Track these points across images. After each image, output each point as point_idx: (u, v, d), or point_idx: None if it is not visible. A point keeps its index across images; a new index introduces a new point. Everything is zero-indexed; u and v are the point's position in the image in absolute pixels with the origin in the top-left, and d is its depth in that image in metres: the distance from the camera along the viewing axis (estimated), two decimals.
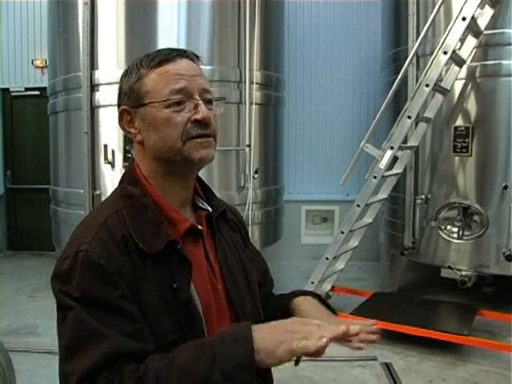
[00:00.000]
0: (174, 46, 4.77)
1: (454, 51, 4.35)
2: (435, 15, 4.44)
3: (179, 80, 1.18)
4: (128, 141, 1.29)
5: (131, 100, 1.22)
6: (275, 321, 1.10)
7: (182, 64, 1.21)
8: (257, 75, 5.18)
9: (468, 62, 4.72)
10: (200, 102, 1.19)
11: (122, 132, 4.60)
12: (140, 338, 1.07)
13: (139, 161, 1.26)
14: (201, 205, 1.32)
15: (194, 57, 1.25)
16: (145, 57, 1.23)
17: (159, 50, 1.23)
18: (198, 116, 1.18)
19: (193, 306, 1.16)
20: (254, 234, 5.19)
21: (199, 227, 1.26)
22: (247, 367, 1.00)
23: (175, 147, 1.18)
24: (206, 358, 1.01)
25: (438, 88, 4.55)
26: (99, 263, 1.08)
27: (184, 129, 1.18)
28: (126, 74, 1.24)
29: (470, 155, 4.82)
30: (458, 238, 4.90)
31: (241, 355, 1.00)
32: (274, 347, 1.02)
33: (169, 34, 4.97)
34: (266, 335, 1.04)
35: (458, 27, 4.29)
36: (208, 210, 1.32)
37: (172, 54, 1.21)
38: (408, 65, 4.66)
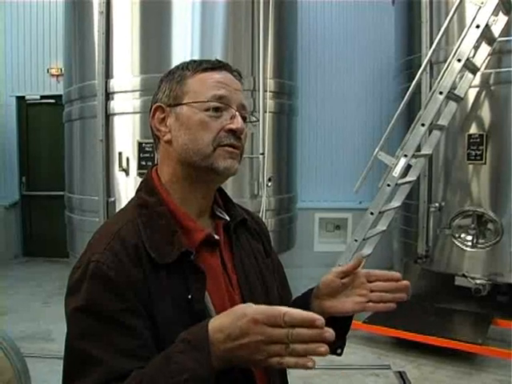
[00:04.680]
0: (188, 55, 4.81)
1: (467, 59, 4.34)
2: (449, 23, 4.43)
3: (221, 88, 1.19)
4: (154, 141, 1.28)
5: (169, 98, 1.22)
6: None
7: (227, 76, 1.23)
8: (270, 83, 5.20)
9: (482, 69, 4.70)
10: (237, 113, 1.20)
11: (136, 140, 4.63)
12: (141, 356, 1.03)
13: (162, 163, 1.25)
14: (219, 214, 1.31)
15: (237, 75, 1.27)
16: (192, 61, 1.25)
17: (207, 60, 1.26)
18: (233, 126, 1.18)
19: (207, 316, 1.11)
20: None
21: (216, 237, 1.24)
22: (202, 379, 0.92)
23: (205, 152, 1.18)
24: (164, 370, 0.95)
25: (451, 95, 4.54)
26: (108, 275, 1.07)
27: (217, 135, 1.18)
28: (168, 74, 1.25)
29: (484, 163, 4.79)
30: (472, 246, 4.87)
31: (195, 365, 0.92)
32: (240, 358, 0.93)
33: (183, 44, 5.00)
34: (228, 343, 0.92)
35: (472, 35, 4.27)
36: (226, 220, 1.30)
37: (219, 65, 1.23)
38: (422, 72, 4.66)
